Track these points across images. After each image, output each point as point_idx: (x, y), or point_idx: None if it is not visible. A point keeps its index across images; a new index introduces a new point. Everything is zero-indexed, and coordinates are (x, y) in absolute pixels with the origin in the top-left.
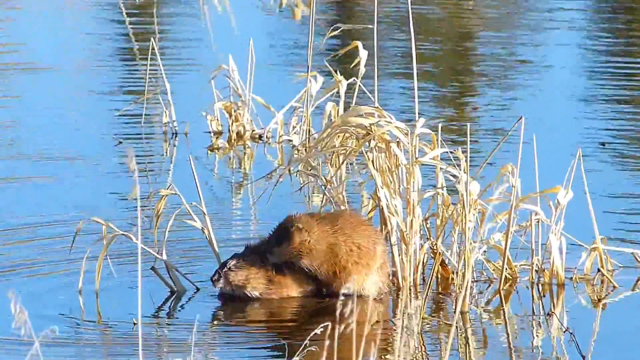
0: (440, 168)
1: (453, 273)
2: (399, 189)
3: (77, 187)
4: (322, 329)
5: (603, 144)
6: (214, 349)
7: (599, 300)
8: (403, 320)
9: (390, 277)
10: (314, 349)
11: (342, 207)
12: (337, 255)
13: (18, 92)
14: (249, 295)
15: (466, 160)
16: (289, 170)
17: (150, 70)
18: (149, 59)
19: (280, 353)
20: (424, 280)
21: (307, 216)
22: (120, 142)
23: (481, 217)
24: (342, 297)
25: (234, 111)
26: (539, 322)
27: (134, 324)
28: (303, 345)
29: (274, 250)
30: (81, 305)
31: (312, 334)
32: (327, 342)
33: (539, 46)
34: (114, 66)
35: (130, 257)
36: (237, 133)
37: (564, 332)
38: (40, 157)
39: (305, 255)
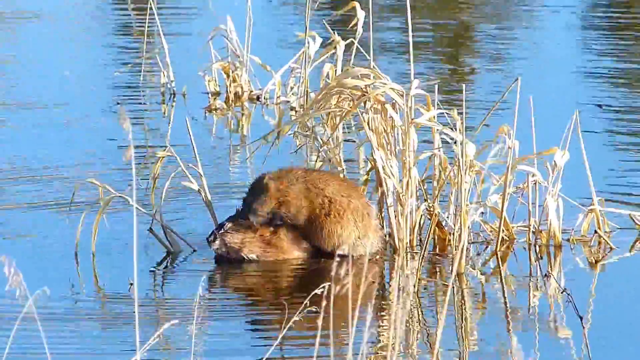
0: (437, 129)
1: (450, 234)
2: (395, 150)
3: (75, 146)
4: (322, 289)
5: (600, 105)
6: (212, 311)
7: (596, 261)
8: (399, 281)
9: (386, 238)
10: (313, 309)
11: (339, 168)
12: (312, 203)
13: (14, 42)
14: (246, 257)
15: (462, 122)
16: (278, 133)
17: (148, 30)
18: (147, 16)
19: (279, 312)
20: (420, 241)
21: (278, 170)
22: (119, 103)
23: (479, 178)
24: (337, 258)
25: (232, 72)
26: (536, 283)
27: (130, 284)
28: (303, 305)
29: (253, 207)
30: (77, 268)
31: (312, 294)
32: (324, 303)
33: (537, 8)
34: (112, 24)
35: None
36: (235, 94)
37: (562, 293)
38: (36, 107)
39: (282, 202)
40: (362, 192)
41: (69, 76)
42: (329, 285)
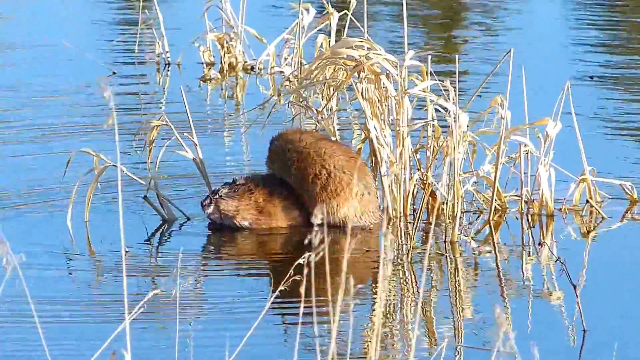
0: (430, 100)
1: (443, 203)
2: (388, 120)
3: (69, 117)
4: (304, 260)
5: (592, 77)
6: (201, 278)
7: (588, 231)
8: (393, 250)
9: (380, 208)
10: (298, 279)
11: (333, 138)
12: (306, 170)
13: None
14: (238, 225)
15: (455, 92)
16: (280, 100)
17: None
18: None
19: (267, 282)
20: (414, 210)
21: (290, 131)
22: (114, 72)
23: (471, 148)
24: (316, 228)
25: (226, 42)
26: (529, 252)
27: (126, 251)
28: (288, 275)
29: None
30: (70, 235)
31: (295, 264)
32: (307, 270)
33: None
34: None
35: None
36: (229, 64)
37: (555, 262)
38: (33, 88)
39: (275, 162)
40: (364, 164)
41: (67, 46)
42: (320, 253)
